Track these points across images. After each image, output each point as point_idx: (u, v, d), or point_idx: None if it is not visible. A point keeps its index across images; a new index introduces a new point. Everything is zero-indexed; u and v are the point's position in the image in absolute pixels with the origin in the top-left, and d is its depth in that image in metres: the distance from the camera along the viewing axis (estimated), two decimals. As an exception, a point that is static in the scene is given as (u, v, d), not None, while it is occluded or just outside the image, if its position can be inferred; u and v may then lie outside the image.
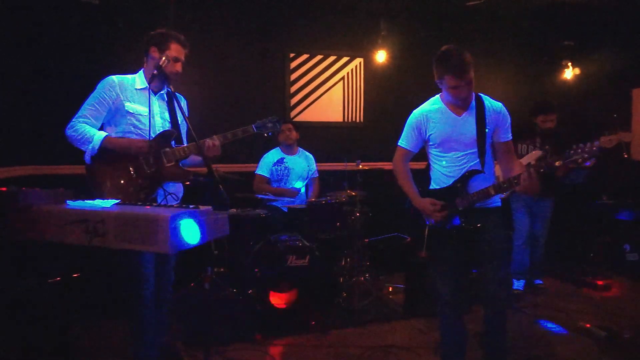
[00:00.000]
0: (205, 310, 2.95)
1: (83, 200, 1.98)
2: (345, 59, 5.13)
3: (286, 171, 4.37)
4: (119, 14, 4.24)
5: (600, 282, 4.36)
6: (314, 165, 4.57)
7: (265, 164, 4.39)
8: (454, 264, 2.57)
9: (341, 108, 5.15)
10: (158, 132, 2.53)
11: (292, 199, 4.28)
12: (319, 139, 4.98)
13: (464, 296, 3.52)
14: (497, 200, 2.58)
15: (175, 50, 2.51)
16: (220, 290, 3.75)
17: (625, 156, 3.69)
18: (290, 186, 4.36)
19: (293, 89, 4.97)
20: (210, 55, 4.66)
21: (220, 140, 2.57)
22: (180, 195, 2.70)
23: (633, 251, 4.78)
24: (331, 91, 5.10)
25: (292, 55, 4.96)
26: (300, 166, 4.44)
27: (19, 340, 2.55)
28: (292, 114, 4.97)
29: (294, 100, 4.98)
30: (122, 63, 4.12)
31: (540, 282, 4.37)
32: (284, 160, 4.39)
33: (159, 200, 2.54)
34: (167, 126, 2.60)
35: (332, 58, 5.08)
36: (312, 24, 5.00)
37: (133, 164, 2.41)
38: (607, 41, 5.51)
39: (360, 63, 5.18)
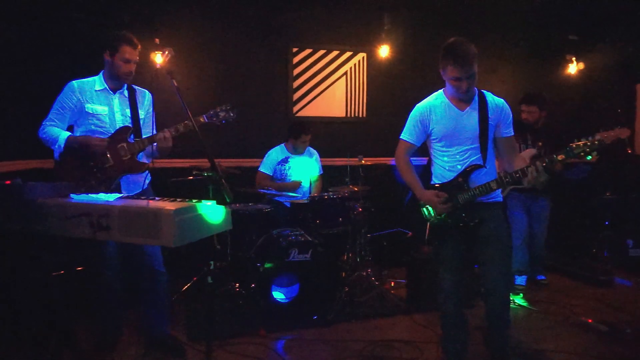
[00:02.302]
0: (208, 305, 2.97)
1: (87, 194, 2.00)
2: (348, 54, 5.12)
3: (289, 171, 4.36)
4: (124, 8, 4.24)
5: (602, 278, 4.36)
6: (318, 164, 4.57)
7: (269, 162, 4.36)
8: (455, 258, 2.58)
9: (344, 103, 5.15)
10: (117, 128, 2.77)
11: (294, 194, 4.28)
12: (322, 134, 4.97)
13: (466, 290, 3.54)
14: (498, 195, 2.58)
15: (125, 52, 2.68)
16: (223, 284, 3.78)
17: (629, 151, 3.66)
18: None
19: (296, 83, 4.96)
20: (213, 49, 4.65)
21: (172, 132, 2.71)
22: (147, 182, 2.91)
23: (636, 247, 4.78)
24: (334, 86, 5.10)
25: (294, 49, 4.95)
26: (305, 166, 4.43)
27: (23, 334, 2.57)
28: (295, 108, 4.97)
29: (296, 95, 4.97)
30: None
31: (543, 277, 4.36)
32: (289, 159, 4.37)
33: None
34: (128, 122, 2.80)
35: (335, 53, 5.07)
36: (315, 18, 4.98)
37: (93, 159, 2.66)
38: (611, 36, 5.48)
39: (363, 58, 5.16)
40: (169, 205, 1.71)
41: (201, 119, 2.79)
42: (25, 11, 3.96)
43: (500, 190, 2.57)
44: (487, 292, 2.52)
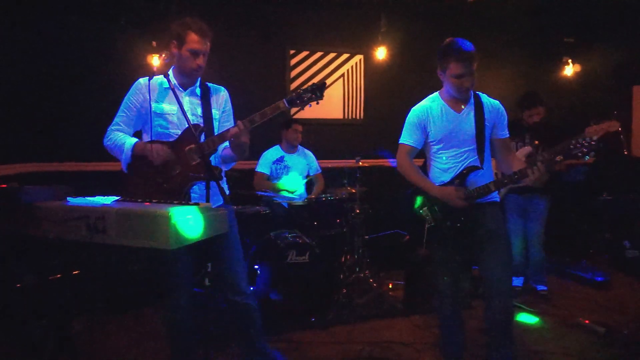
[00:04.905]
0: (205, 307, 2.96)
1: (84, 197, 2.00)
2: (345, 56, 5.13)
3: (285, 170, 4.38)
4: (121, 10, 4.24)
5: (599, 279, 4.37)
6: (314, 163, 4.58)
7: (265, 162, 4.40)
8: (452, 260, 2.57)
9: (341, 105, 5.16)
10: (184, 128, 2.33)
11: (292, 196, 4.29)
12: (319, 136, 4.98)
13: (464, 292, 3.54)
14: (495, 195, 2.58)
15: (193, 42, 2.32)
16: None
17: (626, 153, 3.66)
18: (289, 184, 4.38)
19: (293, 85, 4.97)
20: (211, 51, 4.64)
21: (247, 124, 2.24)
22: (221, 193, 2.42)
23: (633, 247, 4.79)
24: (331, 88, 5.11)
25: (292, 51, 4.96)
26: (300, 165, 4.45)
27: (21, 337, 2.57)
28: (292, 110, 4.97)
29: (294, 97, 4.98)
30: (124, 60, 4.15)
31: (544, 288, 4.10)
32: (284, 158, 4.41)
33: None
34: (199, 122, 2.39)
35: (332, 55, 5.08)
36: (313, 20, 4.99)
37: (160, 167, 2.24)
38: (607, 38, 5.50)
39: (360, 60, 5.18)
40: (165, 208, 1.71)
41: (281, 105, 2.24)
42: (22, 10, 3.96)
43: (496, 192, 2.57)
44: (489, 291, 2.47)
